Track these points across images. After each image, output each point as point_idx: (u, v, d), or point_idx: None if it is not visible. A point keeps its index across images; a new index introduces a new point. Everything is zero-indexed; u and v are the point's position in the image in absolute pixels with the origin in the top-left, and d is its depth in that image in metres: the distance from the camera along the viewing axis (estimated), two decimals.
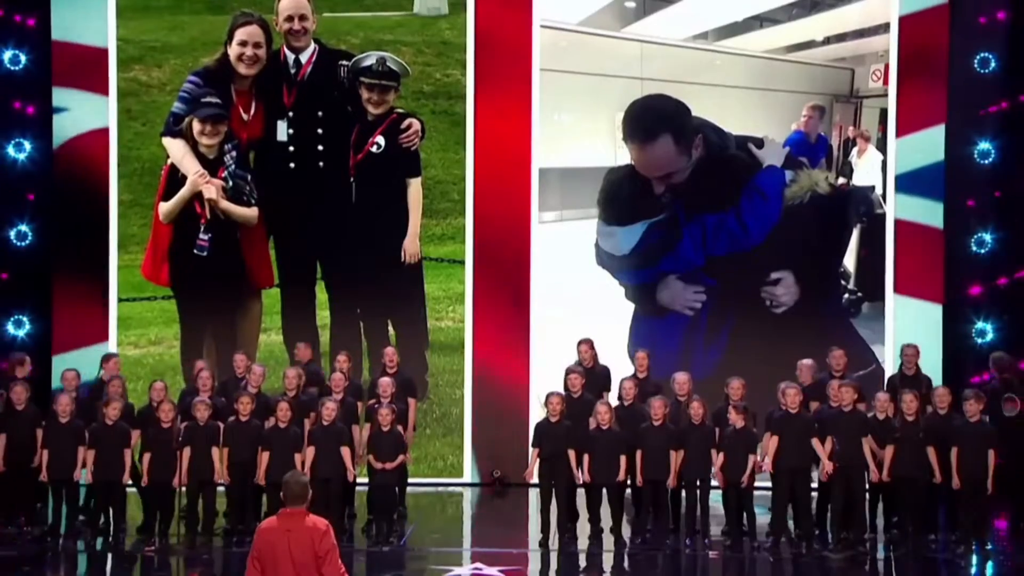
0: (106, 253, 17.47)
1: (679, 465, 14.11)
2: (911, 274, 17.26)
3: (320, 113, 17.29)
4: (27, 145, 17.34)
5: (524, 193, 17.42)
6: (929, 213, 17.24)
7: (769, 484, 14.31)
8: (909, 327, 17.04)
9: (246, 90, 17.23)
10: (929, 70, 17.10)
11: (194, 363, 15.68)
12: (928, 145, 17.14)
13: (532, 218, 17.46)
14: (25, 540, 14.33)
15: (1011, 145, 17.10)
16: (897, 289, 17.33)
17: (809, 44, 17.51)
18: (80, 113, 17.37)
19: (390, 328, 17.34)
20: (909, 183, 17.25)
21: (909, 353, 15.32)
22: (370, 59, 17.20)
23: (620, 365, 15.82)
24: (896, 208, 17.27)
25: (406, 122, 17.26)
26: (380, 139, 17.21)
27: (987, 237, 17.17)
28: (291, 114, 17.30)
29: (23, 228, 17.32)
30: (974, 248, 17.18)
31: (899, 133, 17.24)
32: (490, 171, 17.42)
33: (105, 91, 17.42)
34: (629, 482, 14.30)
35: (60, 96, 17.29)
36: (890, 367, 16.92)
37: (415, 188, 17.36)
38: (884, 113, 17.29)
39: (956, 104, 17.07)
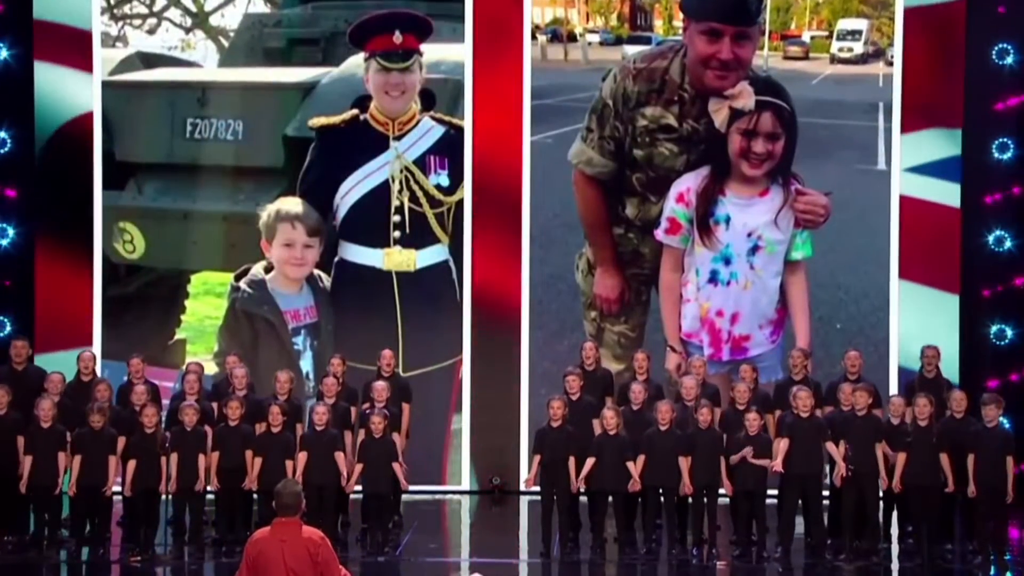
0: (91, 250, 17.88)
1: (690, 472, 14.47)
2: (922, 262, 17.53)
3: None
4: (7, 137, 17.63)
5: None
6: (945, 194, 17.52)
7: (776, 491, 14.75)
8: (920, 317, 17.44)
9: None
10: (942, 65, 17.50)
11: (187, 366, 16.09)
12: (942, 143, 17.50)
13: (524, 233, 17.92)
14: (5, 550, 14.62)
15: None
16: (903, 275, 17.61)
17: None
18: (64, 99, 17.77)
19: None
20: (921, 171, 17.58)
21: (929, 355, 15.53)
22: None
23: None
24: (905, 187, 17.60)
25: None
26: None
27: (1007, 235, 17.40)
28: None
29: (4, 225, 17.61)
30: (993, 246, 17.40)
31: (908, 129, 17.60)
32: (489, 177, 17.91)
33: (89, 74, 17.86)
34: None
35: (42, 81, 17.67)
36: (895, 359, 17.39)
37: None
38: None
39: (973, 99, 17.35)
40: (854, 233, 17.72)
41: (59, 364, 16.18)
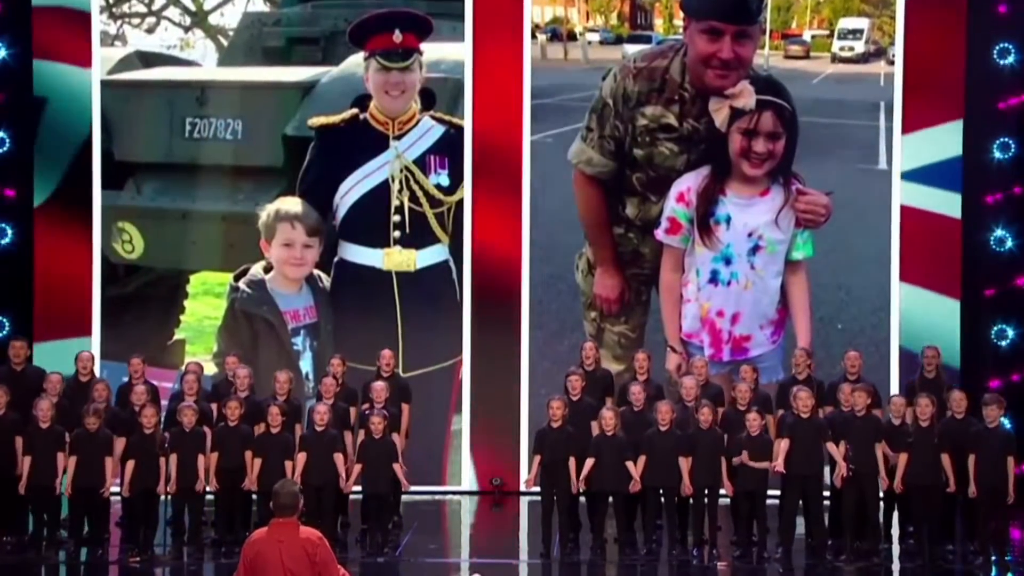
0: (90, 250, 17.96)
1: (690, 472, 14.51)
2: (922, 265, 17.56)
3: None
4: (6, 136, 17.66)
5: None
6: (945, 203, 17.56)
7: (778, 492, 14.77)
8: (921, 321, 17.46)
9: None
10: (943, 64, 17.50)
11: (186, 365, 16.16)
12: (943, 143, 17.53)
13: (524, 233, 17.96)
14: (4, 550, 14.69)
15: None
16: (904, 277, 17.64)
17: None
18: (63, 98, 17.83)
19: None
20: (921, 178, 17.59)
21: (929, 355, 15.56)
22: None
23: None
24: (907, 197, 17.63)
25: None
26: None
27: (1008, 234, 17.38)
28: None
29: (3, 225, 17.64)
30: (994, 246, 17.40)
31: (909, 131, 17.63)
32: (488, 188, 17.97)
33: (88, 76, 17.90)
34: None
35: (41, 80, 17.74)
36: (895, 363, 17.42)
37: None
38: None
39: (974, 98, 17.38)
40: (855, 233, 17.76)
41: (57, 354, 16.31)
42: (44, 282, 17.77)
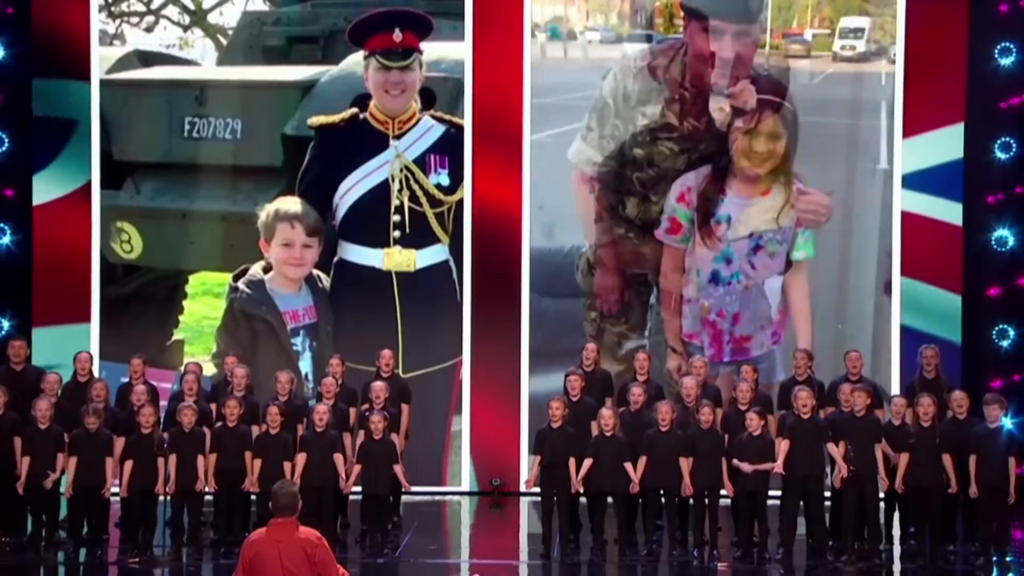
0: (89, 250, 17.98)
1: (691, 473, 14.51)
2: (924, 265, 17.59)
3: None
4: (5, 136, 17.66)
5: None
6: (947, 211, 17.59)
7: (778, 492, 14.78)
8: (923, 321, 17.51)
9: None
10: (944, 64, 17.52)
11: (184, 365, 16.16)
12: (944, 143, 17.55)
13: (524, 233, 17.96)
14: (3, 551, 14.71)
15: None
16: (905, 272, 17.68)
17: None
18: (61, 97, 17.86)
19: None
20: (923, 182, 17.63)
21: (929, 355, 15.53)
22: None
23: None
24: (907, 203, 17.65)
25: None
26: None
27: (1009, 234, 17.40)
28: None
29: (1, 225, 17.67)
30: (995, 246, 17.41)
31: (910, 131, 17.63)
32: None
33: (87, 76, 17.91)
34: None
35: (40, 80, 17.75)
36: (896, 363, 17.45)
37: None
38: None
39: (975, 98, 17.40)
40: (855, 233, 17.78)
41: (57, 341, 16.49)
42: (43, 282, 17.77)
